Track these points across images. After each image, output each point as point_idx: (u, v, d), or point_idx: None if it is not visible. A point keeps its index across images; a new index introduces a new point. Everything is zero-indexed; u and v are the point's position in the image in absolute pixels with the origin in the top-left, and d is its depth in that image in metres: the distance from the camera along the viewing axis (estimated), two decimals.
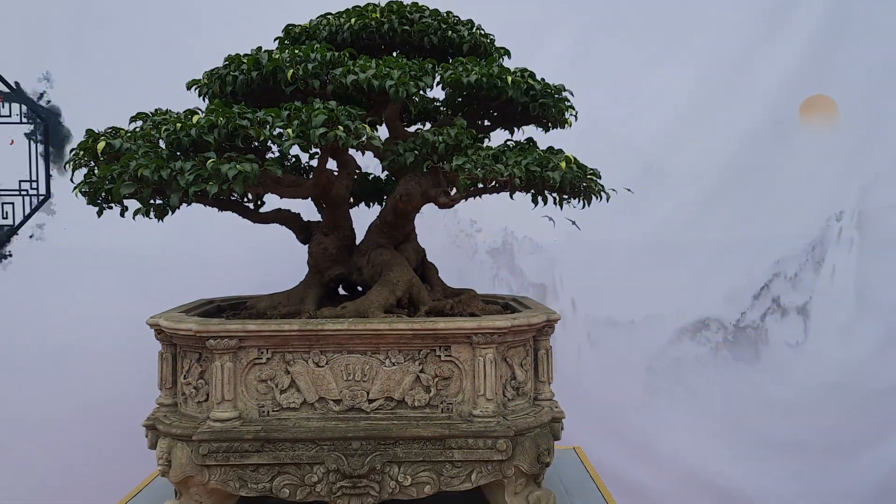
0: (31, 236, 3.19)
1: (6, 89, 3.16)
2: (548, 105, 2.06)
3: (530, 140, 2.17)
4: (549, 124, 2.20)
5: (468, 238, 3.28)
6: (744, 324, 3.28)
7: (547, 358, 2.08)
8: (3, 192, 3.18)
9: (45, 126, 3.18)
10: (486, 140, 2.24)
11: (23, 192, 3.19)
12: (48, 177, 3.20)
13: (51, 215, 3.19)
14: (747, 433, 3.26)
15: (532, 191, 2.02)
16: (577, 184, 1.96)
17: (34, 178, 3.20)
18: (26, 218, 3.19)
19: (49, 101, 3.18)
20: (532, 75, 2.05)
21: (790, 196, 3.23)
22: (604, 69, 3.15)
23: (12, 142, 3.18)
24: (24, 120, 3.18)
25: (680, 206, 3.24)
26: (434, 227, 3.15)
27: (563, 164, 1.89)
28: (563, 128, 2.19)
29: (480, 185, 2.00)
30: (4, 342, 3.12)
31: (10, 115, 3.17)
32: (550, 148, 2.09)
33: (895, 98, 3.19)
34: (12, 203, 3.19)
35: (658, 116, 3.19)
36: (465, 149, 1.91)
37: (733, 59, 3.20)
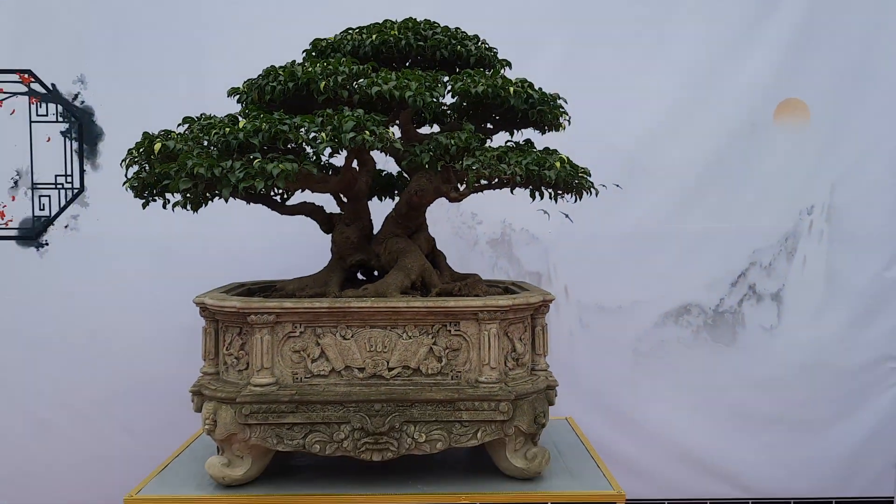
0: (66, 226, 3.43)
1: (43, 90, 3.40)
2: (544, 112, 2.33)
3: (528, 141, 2.44)
4: (546, 128, 2.47)
5: (470, 230, 3.51)
6: (722, 309, 3.52)
7: (543, 333, 2.36)
8: (40, 186, 3.43)
9: (80, 125, 3.42)
10: (489, 141, 2.51)
11: (58, 186, 3.43)
12: (82, 171, 3.44)
13: (84, 207, 3.43)
14: (725, 408, 3.51)
15: (530, 187, 2.29)
16: (570, 181, 2.22)
17: (69, 172, 3.43)
18: (61, 210, 3.44)
19: (83, 102, 3.41)
20: (531, 85, 2.32)
21: (765, 191, 3.46)
22: (593, 75, 3.37)
23: (49, 139, 3.43)
24: (60, 119, 3.42)
25: (664, 201, 3.47)
26: (438, 220, 3.37)
27: (557, 164, 2.17)
28: (558, 131, 2.46)
29: (485, 182, 2.28)
30: (42, 323, 3.38)
31: (46, 115, 3.41)
32: (546, 148, 2.35)
33: (861, 101, 3.42)
34: (49, 196, 3.43)
35: (643, 118, 3.42)
36: (474, 150, 2.18)
37: (712, 66, 3.42)
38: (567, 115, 2.42)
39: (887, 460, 3.55)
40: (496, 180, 2.23)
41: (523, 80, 2.32)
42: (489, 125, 2.56)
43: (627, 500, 3.41)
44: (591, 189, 2.33)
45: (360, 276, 2.62)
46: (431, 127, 2.71)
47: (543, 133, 2.52)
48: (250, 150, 2.00)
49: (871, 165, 3.47)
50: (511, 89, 2.24)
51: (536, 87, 2.34)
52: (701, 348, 3.53)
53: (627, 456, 3.45)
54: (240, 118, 2.13)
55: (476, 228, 3.52)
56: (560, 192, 2.29)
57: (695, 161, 3.45)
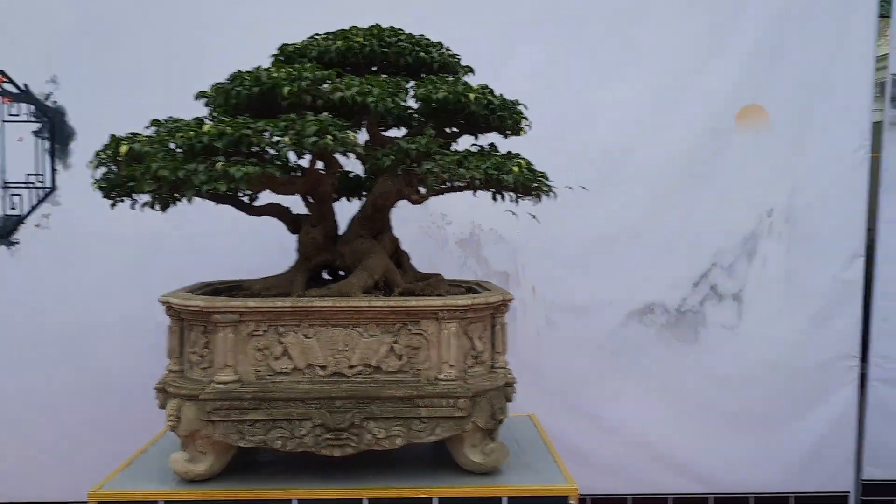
0: (37, 225, 3.44)
1: (16, 90, 3.42)
2: (504, 117, 2.40)
3: (492, 145, 2.49)
4: (508, 132, 2.53)
5: (439, 230, 3.56)
6: (685, 308, 3.60)
7: (502, 332, 2.41)
8: (11, 185, 3.45)
9: (52, 124, 3.44)
10: (455, 144, 2.57)
11: (30, 185, 3.45)
12: (53, 171, 3.45)
13: (55, 206, 3.45)
14: (689, 405, 3.59)
15: (491, 190, 2.36)
16: (529, 184, 2.29)
17: (40, 171, 3.45)
18: (33, 208, 3.45)
19: (55, 102, 3.43)
20: (491, 92, 2.38)
21: (727, 195, 3.54)
22: (564, 79, 3.46)
23: (20, 138, 3.45)
24: (32, 118, 3.44)
25: (629, 203, 3.54)
26: (408, 220, 3.38)
27: (515, 169, 2.22)
28: (519, 135, 2.53)
29: (448, 185, 2.34)
30: (13, 321, 3.40)
31: (19, 114, 3.42)
32: (508, 152, 2.40)
33: (819, 109, 3.51)
34: (20, 195, 3.45)
35: (611, 124, 3.49)
36: (434, 155, 2.23)
37: (678, 72, 3.50)
38: (527, 120, 2.49)
39: (845, 456, 3.66)
40: (456, 183, 2.29)
41: (484, 87, 2.38)
42: (455, 129, 2.62)
43: (593, 495, 3.58)
44: (550, 192, 2.39)
45: (325, 276, 2.67)
46: (400, 130, 2.76)
47: (506, 137, 2.57)
48: (215, 153, 2.04)
49: (829, 170, 3.56)
50: (472, 96, 2.30)
51: (497, 94, 2.40)
52: (665, 347, 3.61)
53: (593, 452, 3.52)
54: (206, 121, 2.17)
55: (445, 229, 3.57)
56: (519, 195, 2.36)
57: (661, 164, 3.52)
